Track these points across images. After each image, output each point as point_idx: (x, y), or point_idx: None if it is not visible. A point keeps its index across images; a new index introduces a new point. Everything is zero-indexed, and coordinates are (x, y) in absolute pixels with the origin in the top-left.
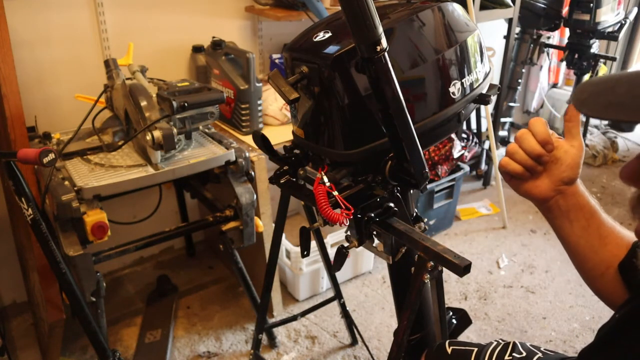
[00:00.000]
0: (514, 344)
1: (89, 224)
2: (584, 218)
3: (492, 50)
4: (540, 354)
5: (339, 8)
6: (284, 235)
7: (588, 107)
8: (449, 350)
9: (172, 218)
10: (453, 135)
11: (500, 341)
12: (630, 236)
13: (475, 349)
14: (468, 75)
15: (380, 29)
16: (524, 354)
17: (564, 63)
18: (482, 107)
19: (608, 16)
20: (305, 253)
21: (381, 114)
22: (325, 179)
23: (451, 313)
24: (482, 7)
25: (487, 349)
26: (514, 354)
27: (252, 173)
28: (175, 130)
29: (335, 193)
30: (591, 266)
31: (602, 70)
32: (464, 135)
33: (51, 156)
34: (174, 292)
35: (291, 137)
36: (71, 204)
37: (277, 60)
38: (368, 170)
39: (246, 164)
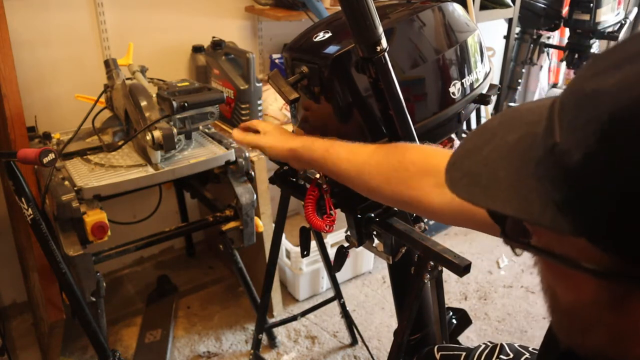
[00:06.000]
0: (502, 345)
1: (89, 224)
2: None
3: (492, 50)
4: (527, 355)
5: (339, 8)
6: (284, 235)
7: (449, 174)
8: (438, 356)
9: (172, 218)
10: (453, 136)
11: (488, 344)
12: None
13: (464, 353)
14: (468, 75)
15: (380, 29)
16: (511, 355)
17: (564, 63)
18: (482, 107)
19: (608, 16)
20: (305, 253)
21: (381, 114)
22: (322, 181)
23: (451, 313)
24: (482, 7)
25: (475, 353)
26: (501, 356)
27: (252, 173)
28: (175, 130)
29: (327, 197)
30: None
31: None
32: (464, 135)
33: (51, 156)
34: (174, 292)
35: None
36: (71, 204)
37: (277, 60)
38: None
39: (246, 164)
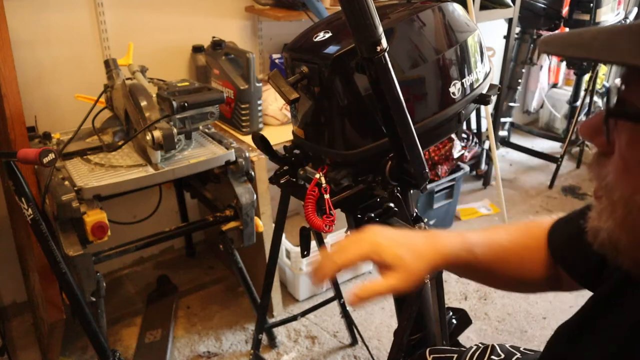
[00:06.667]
0: (493, 346)
1: (89, 224)
2: (475, 271)
3: (492, 50)
4: (518, 354)
5: (339, 8)
6: (284, 235)
7: (550, 45)
8: (430, 358)
9: (172, 218)
10: (453, 135)
11: (480, 345)
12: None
13: (455, 355)
14: (468, 75)
15: (381, 29)
16: (502, 355)
17: (564, 63)
18: (482, 107)
19: (608, 16)
20: (305, 253)
21: (381, 114)
22: (322, 180)
23: (451, 313)
24: (482, 7)
25: (466, 354)
26: (492, 357)
27: (252, 173)
28: (175, 130)
29: (327, 197)
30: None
31: (602, 70)
32: (464, 135)
33: (51, 156)
34: (174, 292)
35: (291, 137)
36: (71, 204)
37: (277, 60)
38: (368, 170)
39: (246, 164)
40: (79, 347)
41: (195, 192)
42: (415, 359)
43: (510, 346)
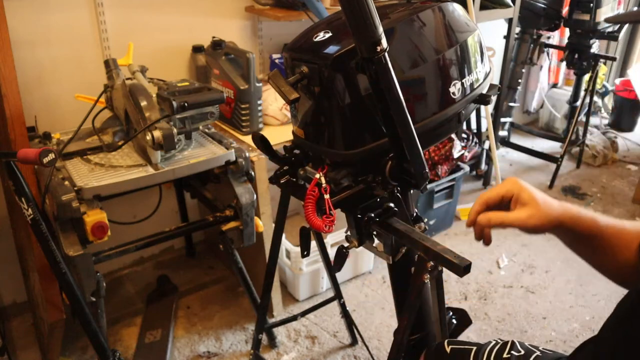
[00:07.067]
0: (513, 342)
1: (89, 224)
2: (592, 240)
3: (492, 50)
4: (538, 352)
5: (339, 8)
6: (284, 235)
7: (614, 17)
8: (448, 350)
9: (172, 218)
10: (453, 135)
11: (499, 340)
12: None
13: (474, 348)
14: (468, 75)
15: (381, 29)
16: (522, 352)
17: (564, 63)
18: (482, 107)
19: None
20: (305, 253)
21: (381, 114)
22: (322, 180)
23: (451, 313)
24: (482, 7)
25: (485, 348)
26: (512, 352)
27: (252, 173)
28: (175, 130)
29: (327, 197)
30: (614, 270)
31: (602, 70)
32: (464, 135)
33: (51, 156)
34: (174, 292)
35: (291, 137)
36: (71, 204)
37: (277, 60)
38: (368, 170)
39: (246, 164)
40: (79, 347)
41: (195, 192)
42: (433, 350)
43: (530, 344)
